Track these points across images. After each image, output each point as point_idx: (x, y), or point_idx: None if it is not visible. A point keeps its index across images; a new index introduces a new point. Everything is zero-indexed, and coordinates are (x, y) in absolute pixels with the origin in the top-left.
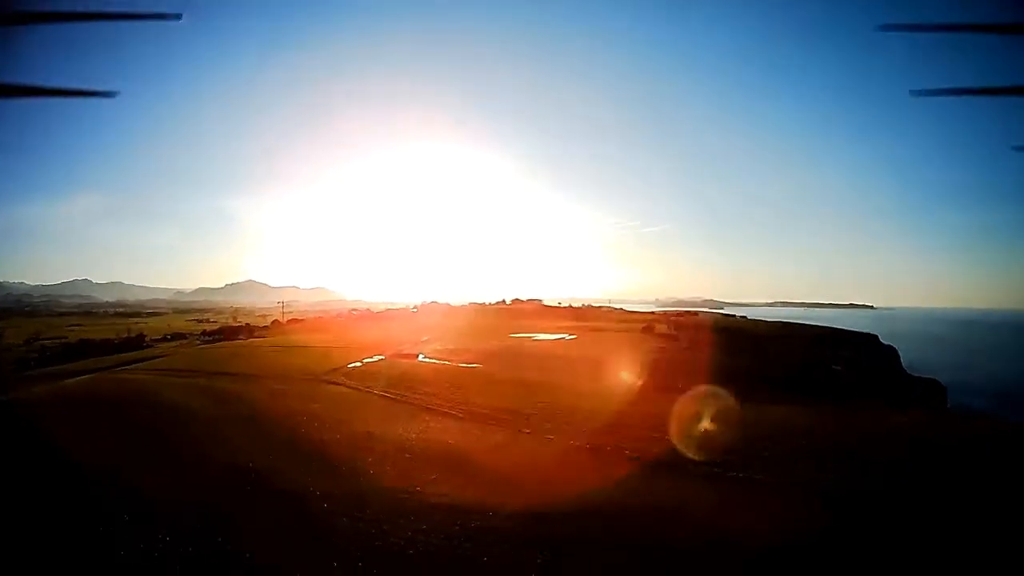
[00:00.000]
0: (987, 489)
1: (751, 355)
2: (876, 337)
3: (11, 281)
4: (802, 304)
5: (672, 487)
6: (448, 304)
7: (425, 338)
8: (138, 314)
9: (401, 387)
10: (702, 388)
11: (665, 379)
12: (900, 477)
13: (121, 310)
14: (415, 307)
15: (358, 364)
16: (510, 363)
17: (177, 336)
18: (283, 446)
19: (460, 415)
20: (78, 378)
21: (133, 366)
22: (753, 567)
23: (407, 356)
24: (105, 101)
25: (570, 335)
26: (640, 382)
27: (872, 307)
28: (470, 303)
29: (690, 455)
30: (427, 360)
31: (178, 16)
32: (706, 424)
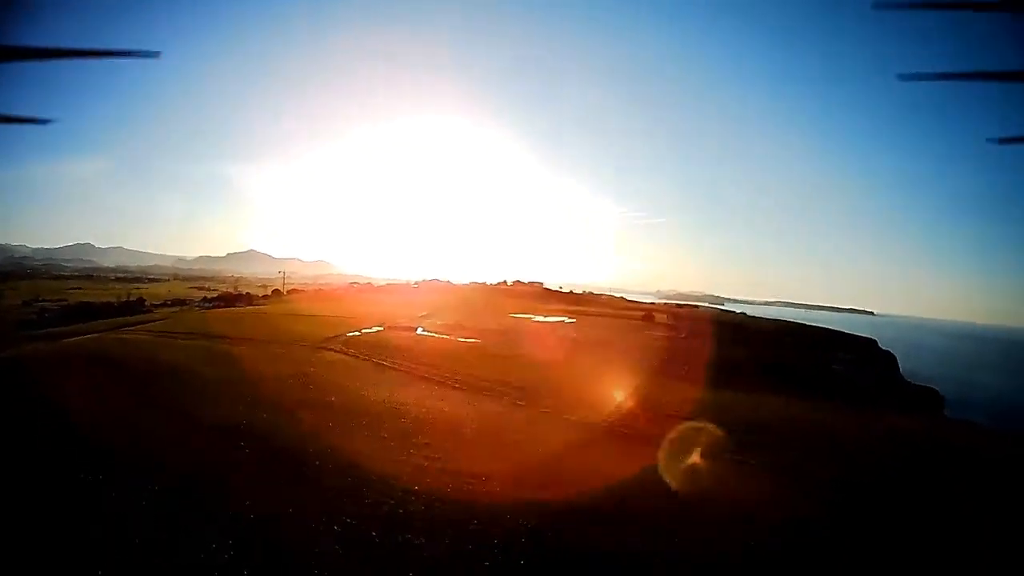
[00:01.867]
0: (971, 486)
1: (749, 349)
2: (875, 342)
3: (12, 243)
4: (803, 305)
5: (660, 464)
6: (449, 282)
7: (424, 313)
8: (139, 280)
9: (399, 357)
10: (696, 376)
11: (660, 365)
12: (889, 470)
13: (122, 275)
14: (416, 283)
15: (356, 334)
16: (508, 341)
17: (177, 302)
18: (278, 406)
19: (456, 385)
20: (78, 338)
21: (133, 328)
22: (732, 545)
23: (406, 329)
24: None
25: (569, 319)
26: (635, 366)
27: (872, 313)
28: (471, 282)
29: (683, 436)
30: (426, 334)
31: (157, 54)
32: (697, 408)
